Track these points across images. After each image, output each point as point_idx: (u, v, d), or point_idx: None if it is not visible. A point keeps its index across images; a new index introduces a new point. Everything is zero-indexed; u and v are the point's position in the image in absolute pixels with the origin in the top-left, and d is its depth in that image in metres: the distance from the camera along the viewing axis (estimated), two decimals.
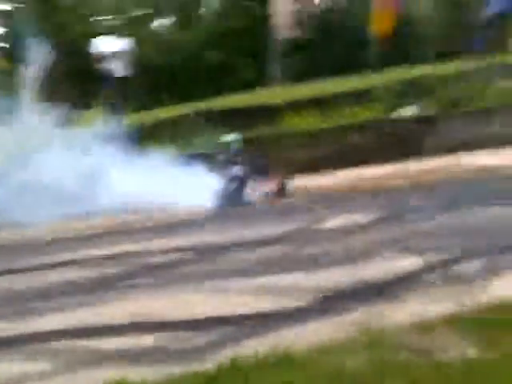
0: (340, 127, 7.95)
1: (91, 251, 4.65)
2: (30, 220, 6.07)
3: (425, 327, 2.78)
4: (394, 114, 8.34)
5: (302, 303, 3.18)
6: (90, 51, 7.91)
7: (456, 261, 3.62)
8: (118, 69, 8.04)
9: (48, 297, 3.61)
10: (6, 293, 3.78)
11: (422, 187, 6.14)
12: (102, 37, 8.10)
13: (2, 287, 3.92)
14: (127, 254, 4.46)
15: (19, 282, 3.96)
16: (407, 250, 3.92)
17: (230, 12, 23.49)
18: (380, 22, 8.41)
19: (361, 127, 7.93)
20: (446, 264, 3.58)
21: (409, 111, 8.43)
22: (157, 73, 19.48)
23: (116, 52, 7.91)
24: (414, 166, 7.36)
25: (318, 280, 3.51)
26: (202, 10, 30.87)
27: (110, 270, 4.10)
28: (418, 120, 8.25)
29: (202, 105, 10.06)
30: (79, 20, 25.81)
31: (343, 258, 3.88)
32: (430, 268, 3.54)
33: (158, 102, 15.92)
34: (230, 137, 6.83)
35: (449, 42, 23.01)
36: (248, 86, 18.71)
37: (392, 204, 5.40)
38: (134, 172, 6.64)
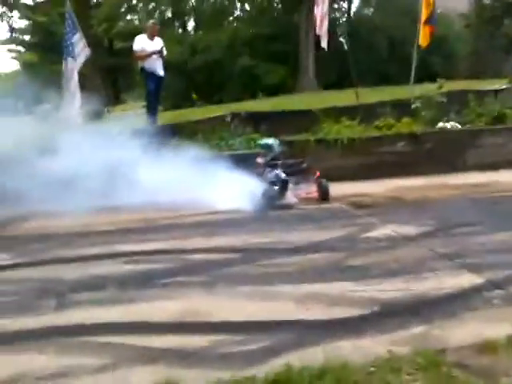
0: (378, 137, 7.81)
1: (131, 246, 4.59)
2: (59, 210, 6.07)
3: (486, 348, 2.65)
4: (436, 127, 8.16)
5: (354, 314, 3.07)
6: (134, 48, 7.89)
7: None
8: (158, 67, 8.02)
9: (94, 289, 3.55)
10: (51, 283, 3.73)
11: (467, 201, 5.96)
12: (142, 35, 8.07)
13: (47, 277, 3.87)
14: (170, 251, 4.39)
15: (65, 273, 3.91)
16: (463, 265, 3.77)
17: (262, 18, 23.66)
18: (424, 37, 8.27)
19: (401, 138, 7.77)
20: (505, 282, 3.42)
21: (450, 124, 8.24)
22: (188, 74, 19.67)
23: (157, 51, 7.88)
24: (455, 180, 7.18)
25: (370, 291, 3.39)
26: (235, 14, 31.16)
27: (155, 265, 4.03)
28: (460, 133, 8.07)
29: (239, 107, 10.06)
30: (114, 17, 26.18)
31: (395, 271, 3.75)
32: (489, 286, 3.38)
33: (189, 102, 16.03)
34: (271, 140, 6.75)
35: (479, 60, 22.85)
36: (279, 91, 18.78)
37: (439, 216, 5.23)
38: (170, 169, 6.59)
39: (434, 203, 5.94)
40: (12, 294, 3.57)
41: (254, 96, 16.77)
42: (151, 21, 8.65)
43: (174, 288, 3.56)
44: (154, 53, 7.80)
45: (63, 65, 7.35)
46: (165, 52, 7.99)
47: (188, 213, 5.78)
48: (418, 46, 8.60)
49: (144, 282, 3.68)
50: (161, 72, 8.05)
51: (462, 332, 2.81)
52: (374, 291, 3.39)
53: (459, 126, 8.21)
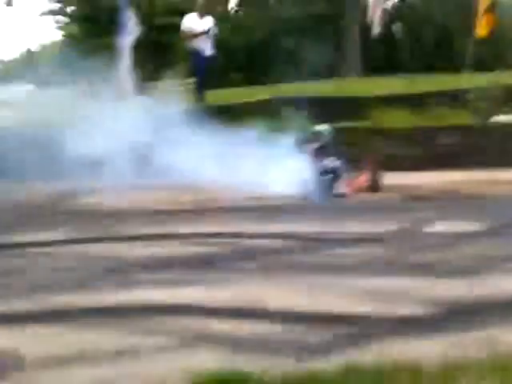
0: (432, 128, 7.60)
1: (187, 227, 4.60)
2: (109, 186, 6.13)
3: None
4: (490, 120, 7.88)
5: (420, 313, 2.98)
6: (182, 28, 7.83)
7: None
8: (206, 47, 7.95)
9: (155, 270, 3.57)
10: (113, 261, 3.76)
11: None
12: (192, 14, 8.00)
13: (108, 254, 3.91)
14: (227, 235, 4.38)
15: (125, 251, 3.94)
16: None
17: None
18: (483, 26, 7.94)
19: (455, 130, 7.54)
20: None
21: (506, 118, 7.95)
22: (233, 54, 19.53)
23: (206, 31, 7.81)
24: (510, 175, 6.94)
25: (435, 290, 3.29)
26: None
27: (213, 249, 4.03)
28: None
29: (284, 89, 9.93)
30: None
31: (459, 270, 3.63)
32: None
33: (233, 83, 15.92)
34: (322, 127, 6.63)
35: None
36: (324, 73, 18.48)
37: (498, 214, 5.06)
38: (221, 150, 6.57)
39: (492, 199, 5.79)
40: (74, 270, 3.61)
41: (297, 78, 16.58)
42: None
43: (233, 273, 3.54)
44: (201, 33, 7.73)
45: (117, 40, 7.35)
46: (214, 31, 7.90)
47: (240, 196, 5.77)
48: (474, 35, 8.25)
49: (203, 266, 3.68)
50: (208, 52, 7.97)
51: None
52: (439, 290, 3.28)
53: None
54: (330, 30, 20.19)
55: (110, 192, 6.17)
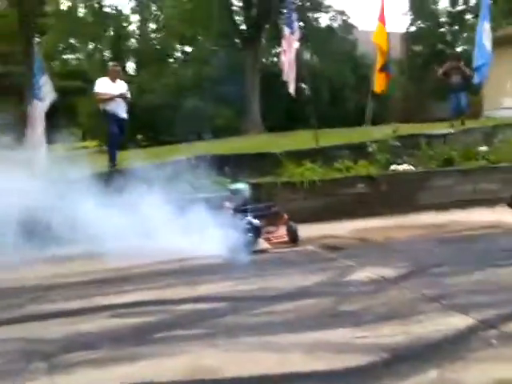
0: (341, 179, 8.04)
1: (112, 298, 4.39)
2: (22, 260, 5.76)
3: None
4: (390, 169, 8.51)
5: (366, 362, 3.07)
6: (97, 90, 7.76)
7: (506, 319, 3.59)
8: (121, 110, 7.92)
9: (86, 348, 3.33)
10: (37, 343, 3.47)
11: (432, 241, 6.20)
12: (104, 78, 7.97)
13: (30, 336, 3.61)
14: (156, 302, 4.24)
15: (50, 331, 3.66)
16: (451, 307, 3.88)
17: (206, 60, 24.07)
18: (379, 83, 8.72)
19: (361, 180, 8.04)
20: (496, 322, 3.55)
21: (403, 167, 8.62)
22: (134, 115, 19.50)
23: (123, 94, 7.80)
24: (413, 220, 7.48)
25: (371, 337, 3.41)
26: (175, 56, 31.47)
27: (145, 319, 3.86)
28: (413, 175, 8.45)
29: (191, 148, 10.04)
30: (51, 56, 25.68)
31: (388, 315, 3.80)
32: (482, 326, 3.50)
33: (134, 144, 15.82)
34: (240, 185, 6.77)
35: (410, 104, 24.30)
36: (225, 132, 18.98)
37: (411, 257, 5.39)
38: (136, 214, 6.42)
39: (402, 244, 6.13)
40: None
41: (200, 137, 16.87)
42: (112, 63, 8.56)
43: (173, 342, 3.41)
44: (119, 96, 7.72)
45: (28, 108, 7.10)
46: (128, 95, 7.92)
47: (160, 260, 5.62)
48: (373, 92, 9.00)
49: (138, 338, 3.50)
50: (124, 115, 7.95)
51: (474, 375, 2.88)
52: (375, 337, 3.41)
53: (412, 169, 8.60)
54: (231, 90, 21.00)
55: (25, 265, 5.74)
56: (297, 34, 8.54)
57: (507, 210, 8.06)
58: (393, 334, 3.45)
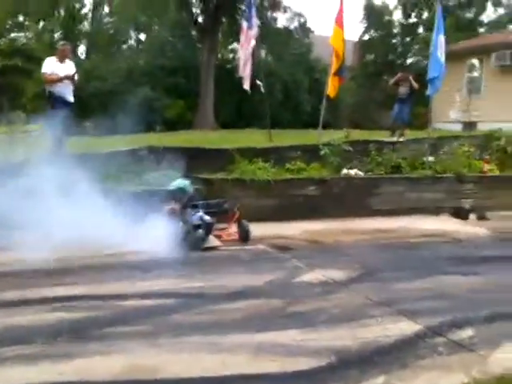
0: (292, 180, 8.01)
1: (51, 291, 4.12)
2: None
3: None
4: (342, 173, 8.57)
5: (314, 365, 3.01)
6: (43, 71, 7.32)
7: (452, 326, 3.64)
8: (68, 93, 7.52)
9: (21, 343, 3.10)
10: None
11: (380, 246, 6.28)
12: (52, 58, 7.54)
13: None
14: (98, 297, 4.01)
15: None
16: (399, 312, 3.91)
17: (161, 50, 23.56)
18: (332, 87, 8.75)
19: (312, 182, 8.04)
20: (443, 329, 3.59)
21: (354, 171, 8.70)
22: (81, 101, 18.83)
23: (70, 75, 7.39)
24: (362, 224, 7.54)
25: (320, 340, 3.36)
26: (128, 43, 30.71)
27: (85, 313, 3.65)
28: (363, 180, 8.55)
29: (139, 139, 9.75)
30: None
31: (338, 318, 3.79)
32: (429, 333, 3.53)
33: (81, 131, 15.23)
34: (181, 182, 6.58)
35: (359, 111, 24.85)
36: (177, 125, 18.63)
37: (360, 261, 5.42)
38: (79, 205, 6.11)
39: (351, 248, 6.16)
40: None
41: (150, 129, 16.46)
42: (61, 42, 8.10)
43: (113, 340, 3.23)
44: (66, 77, 7.31)
45: None
46: (77, 77, 7.53)
47: (103, 253, 5.37)
48: (327, 96, 9.03)
49: (77, 334, 3.30)
50: (71, 98, 7.56)
51: (418, 382, 2.89)
52: (325, 340, 3.37)
53: (362, 174, 8.70)
54: (185, 83, 20.64)
55: None
56: (255, 30, 8.44)
57: (451, 220, 8.32)
58: (342, 338, 3.42)
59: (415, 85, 11.17)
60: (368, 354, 3.21)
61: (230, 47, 26.50)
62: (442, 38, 8.84)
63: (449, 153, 9.65)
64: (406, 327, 3.62)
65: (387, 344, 3.34)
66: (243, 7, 22.68)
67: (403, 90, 11.29)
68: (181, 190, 6.60)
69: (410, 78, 11.33)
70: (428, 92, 9.58)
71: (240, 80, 8.94)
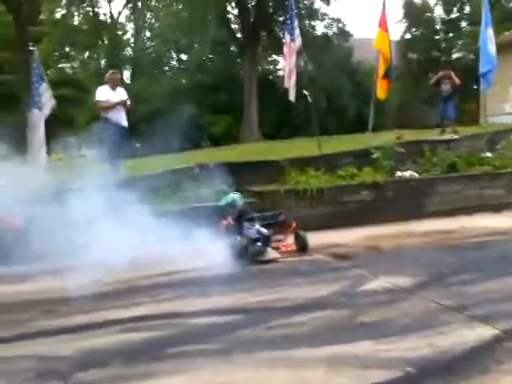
0: (345, 186, 7.92)
1: (120, 312, 4.22)
2: (20, 272, 5.62)
3: None
4: (396, 176, 8.41)
5: (393, 377, 2.92)
6: (98, 98, 7.62)
7: None
8: (122, 118, 7.80)
9: (100, 366, 3.18)
10: (49, 360, 3.30)
11: (442, 248, 6.08)
12: (104, 86, 7.85)
13: (42, 353, 3.44)
14: (166, 316, 4.07)
15: (61, 347, 3.49)
16: (472, 317, 3.76)
17: (202, 68, 24.00)
18: (381, 90, 8.63)
19: (365, 187, 7.92)
20: None
21: (408, 173, 8.52)
22: (131, 124, 19.45)
23: (123, 101, 7.68)
24: (420, 227, 7.36)
25: (395, 350, 3.27)
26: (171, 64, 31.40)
27: (156, 333, 3.71)
28: (418, 182, 8.35)
29: (192, 157, 9.93)
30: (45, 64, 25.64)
31: (410, 326, 3.67)
32: (507, 337, 3.38)
33: (132, 153, 15.67)
34: (232, 196, 6.65)
35: (406, 111, 24.33)
36: (224, 141, 18.87)
37: (424, 265, 5.26)
38: (141, 225, 6.26)
39: (412, 252, 5.99)
40: (6, 376, 3.13)
41: (197, 146, 16.75)
42: (111, 71, 8.43)
43: (187, 358, 3.26)
44: (119, 103, 7.60)
45: (28, 116, 6.96)
46: (129, 102, 7.80)
47: (166, 271, 5.47)
48: (376, 99, 8.90)
49: (150, 354, 3.35)
50: (124, 122, 7.83)
51: None
52: (399, 350, 3.28)
53: (416, 175, 8.50)
54: (229, 99, 20.92)
55: (24, 278, 5.59)
56: (298, 41, 8.45)
57: None
58: (417, 347, 3.31)
59: (457, 81, 10.91)
60: (446, 362, 3.10)
61: (269, 59, 26.70)
62: (490, 31, 8.56)
63: (507, 147, 9.31)
64: (482, 332, 3.47)
65: (464, 350, 3.22)
66: (281, 19, 23.00)
67: (446, 87, 11.08)
68: (231, 204, 6.69)
69: (452, 74, 11.07)
70: (481, 87, 9.29)
71: (282, 90, 8.95)
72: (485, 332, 3.48)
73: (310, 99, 8.43)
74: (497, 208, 8.38)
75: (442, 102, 11.12)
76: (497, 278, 4.73)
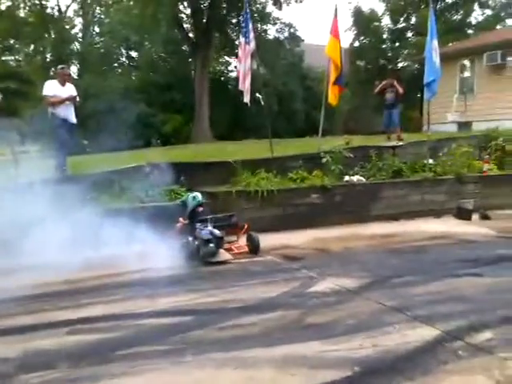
0: (296, 189, 8.05)
1: (68, 313, 4.12)
2: None
3: None
4: (344, 180, 8.61)
5: (341, 376, 3.01)
6: (45, 93, 7.37)
7: (470, 330, 3.66)
8: (71, 114, 7.58)
9: (45, 368, 3.10)
10: None
11: (385, 251, 6.29)
12: (53, 81, 7.60)
13: None
14: (115, 317, 4.01)
15: (4, 349, 3.37)
16: (414, 318, 3.92)
17: (154, 67, 23.65)
18: (333, 96, 8.81)
19: (315, 190, 8.09)
20: (460, 333, 3.61)
21: (356, 178, 8.75)
22: (79, 120, 18.90)
23: (73, 97, 7.47)
24: (366, 230, 7.58)
25: (342, 350, 3.38)
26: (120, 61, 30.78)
27: (105, 335, 3.64)
28: (365, 186, 8.59)
29: (139, 156, 9.79)
30: None
31: (355, 327, 3.79)
32: (447, 337, 3.55)
33: (79, 150, 15.26)
34: (194, 194, 6.63)
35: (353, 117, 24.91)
36: (174, 140, 18.67)
37: (369, 268, 5.44)
38: (87, 224, 6.12)
39: (359, 254, 6.18)
40: None
41: (148, 144, 16.50)
42: (60, 66, 8.16)
43: (137, 360, 3.24)
44: (68, 99, 7.38)
45: None
46: (78, 99, 7.60)
47: (115, 272, 5.38)
48: (327, 104, 9.07)
49: (98, 356, 3.30)
50: (73, 119, 7.61)
51: None
52: (346, 350, 3.38)
53: (363, 180, 8.75)
54: (180, 98, 20.73)
55: None
56: (252, 44, 8.50)
57: (454, 221, 8.37)
58: (363, 347, 3.43)
59: (401, 90, 11.33)
60: (390, 361, 3.22)
61: (221, 60, 26.67)
62: (435, 42, 8.93)
63: (449, 155, 9.73)
64: (425, 333, 3.64)
65: (408, 351, 3.36)
66: (234, 21, 23.05)
67: (389, 95, 11.51)
68: (183, 204, 6.67)
69: (395, 83, 11.49)
70: (425, 96, 9.66)
71: (233, 92, 8.98)
72: (428, 333, 3.64)
73: (262, 102, 8.51)
74: (437, 213, 8.76)
75: (387, 110, 11.52)
76: (439, 280, 4.96)
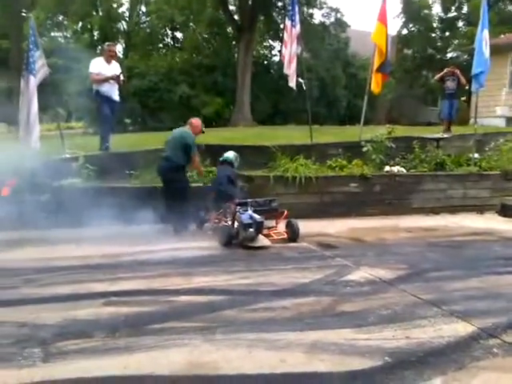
0: (334, 177, 7.97)
1: (106, 285, 4.24)
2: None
3: None
4: (384, 170, 8.47)
5: (369, 365, 2.99)
6: (91, 71, 7.51)
7: (507, 328, 3.57)
8: (114, 92, 7.71)
9: (82, 337, 3.21)
10: (31, 328, 3.32)
11: (424, 244, 6.18)
12: (99, 58, 7.73)
13: (24, 320, 3.45)
14: (151, 292, 4.10)
15: (44, 316, 3.51)
16: (451, 313, 3.85)
17: (199, 48, 23.72)
18: (376, 84, 8.63)
19: (354, 179, 7.99)
20: (497, 331, 3.52)
21: (397, 169, 8.60)
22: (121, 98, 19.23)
23: (117, 75, 7.59)
24: (404, 222, 7.46)
25: (373, 340, 3.35)
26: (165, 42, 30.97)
27: (140, 308, 3.74)
28: (406, 178, 8.43)
29: None
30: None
31: (389, 317, 3.74)
32: (483, 334, 3.47)
33: (121, 128, 15.55)
34: (230, 154, 6.72)
35: (398, 107, 24.32)
36: (214, 122, 18.75)
37: (406, 260, 5.36)
38: (127, 200, 6.27)
39: (394, 246, 6.09)
40: None
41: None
42: (107, 43, 8.28)
43: (170, 335, 3.30)
44: (112, 78, 7.50)
45: (21, 82, 6.81)
46: (122, 77, 7.71)
47: (156, 249, 5.49)
48: (370, 92, 8.91)
49: (133, 328, 3.39)
50: (116, 97, 7.74)
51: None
52: (378, 340, 3.35)
53: (404, 171, 8.58)
54: (223, 81, 20.73)
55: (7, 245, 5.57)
56: (298, 28, 8.41)
57: (496, 218, 8.13)
58: (395, 338, 3.39)
59: (463, 80, 10.97)
60: (422, 354, 3.18)
61: (265, 44, 26.49)
62: (486, 33, 8.62)
63: (495, 149, 9.43)
64: (460, 328, 3.56)
65: (442, 345, 3.31)
66: (279, 4, 22.80)
67: (451, 84, 11.08)
68: (227, 160, 6.80)
69: (458, 72, 11.12)
70: (473, 88, 9.35)
71: (276, 76, 8.92)
72: (462, 328, 3.57)
73: (304, 87, 8.43)
74: (480, 209, 8.53)
75: (448, 100, 11.10)
76: (477, 276, 4.84)
